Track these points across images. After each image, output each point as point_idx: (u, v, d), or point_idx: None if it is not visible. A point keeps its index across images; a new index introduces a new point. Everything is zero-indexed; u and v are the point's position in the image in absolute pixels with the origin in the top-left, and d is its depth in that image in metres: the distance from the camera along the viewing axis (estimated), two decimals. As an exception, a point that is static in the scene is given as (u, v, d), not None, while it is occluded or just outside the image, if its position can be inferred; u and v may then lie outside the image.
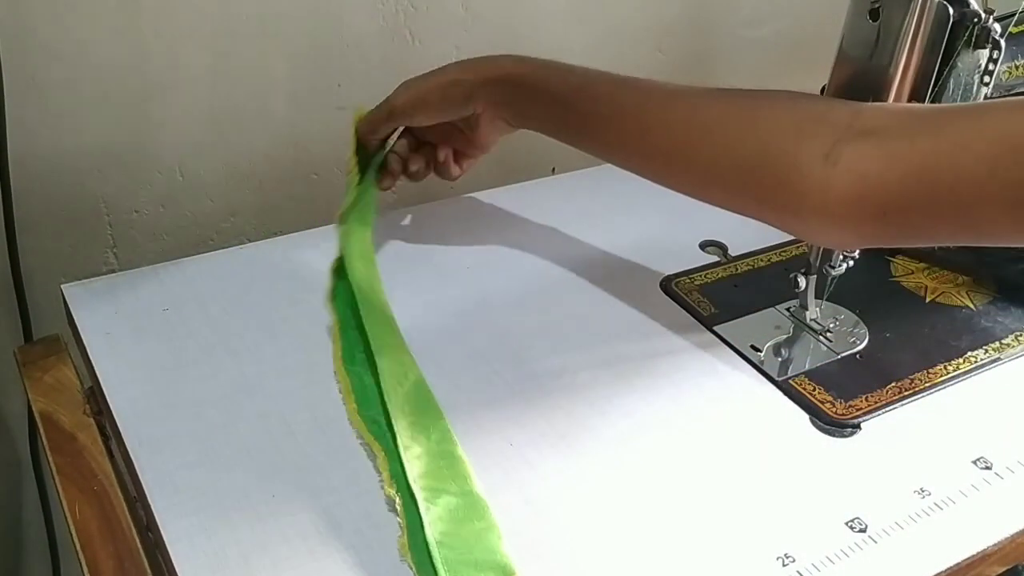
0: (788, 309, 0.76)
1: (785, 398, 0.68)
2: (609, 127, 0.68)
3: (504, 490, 0.59)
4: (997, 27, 0.61)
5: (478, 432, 0.63)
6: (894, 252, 0.84)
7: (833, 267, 0.71)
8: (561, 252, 0.82)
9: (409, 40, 0.93)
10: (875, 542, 0.57)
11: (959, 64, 0.62)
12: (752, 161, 0.60)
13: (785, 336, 0.74)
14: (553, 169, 1.09)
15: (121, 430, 0.62)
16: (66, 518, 0.58)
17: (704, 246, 0.84)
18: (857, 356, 0.72)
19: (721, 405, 0.67)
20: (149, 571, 0.55)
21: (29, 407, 0.69)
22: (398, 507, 0.57)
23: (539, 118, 0.74)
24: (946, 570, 0.56)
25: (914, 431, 0.66)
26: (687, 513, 0.59)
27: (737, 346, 0.72)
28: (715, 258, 0.83)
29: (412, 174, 0.81)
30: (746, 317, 0.75)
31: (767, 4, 1.15)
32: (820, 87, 0.68)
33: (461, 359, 0.69)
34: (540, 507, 0.58)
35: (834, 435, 0.65)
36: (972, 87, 0.63)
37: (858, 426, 0.66)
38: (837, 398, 0.68)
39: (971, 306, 0.79)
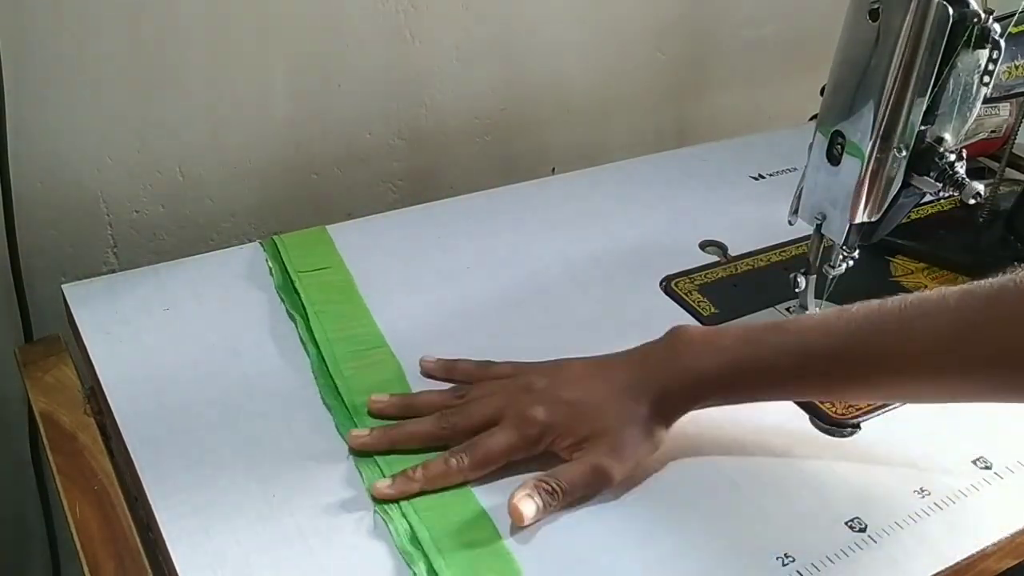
0: (788, 309, 0.76)
1: (785, 398, 0.68)
2: (860, 379, 0.59)
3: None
4: (997, 27, 0.61)
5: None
6: (894, 252, 0.85)
7: (833, 267, 0.71)
8: (561, 252, 0.82)
9: (409, 40, 0.94)
10: (875, 542, 0.57)
11: (959, 64, 0.62)
12: None
13: (785, 336, 0.74)
14: (553, 169, 1.09)
15: (121, 430, 0.62)
16: (67, 518, 0.58)
17: (704, 246, 0.84)
18: (857, 356, 0.72)
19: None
20: (149, 571, 0.55)
21: (29, 407, 0.69)
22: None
23: (753, 400, 0.62)
24: (945, 570, 0.56)
25: (914, 431, 0.66)
26: (688, 513, 0.59)
27: (737, 346, 0.72)
28: (715, 258, 0.83)
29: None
30: (746, 317, 0.75)
31: (767, 4, 1.15)
32: (820, 87, 0.68)
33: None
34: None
35: (834, 435, 0.65)
36: (972, 87, 0.63)
37: (858, 426, 0.66)
38: (837, 398, 0.68)
39: (971, 306, 0.78)
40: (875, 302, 0.59)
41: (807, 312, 0.73)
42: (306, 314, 0.72)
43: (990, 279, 0.56)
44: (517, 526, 0.56)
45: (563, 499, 0.57)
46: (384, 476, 0.59)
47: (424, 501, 0.58)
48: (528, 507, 0.56)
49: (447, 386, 0.66)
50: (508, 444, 0.59)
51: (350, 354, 0.68)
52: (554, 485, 0.57)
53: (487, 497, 0.58)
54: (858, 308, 0.59)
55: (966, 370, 0.56)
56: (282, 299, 0.74)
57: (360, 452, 0.61)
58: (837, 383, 0.60)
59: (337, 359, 0.68)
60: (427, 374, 0.68)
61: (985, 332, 0.55)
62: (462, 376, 0.67)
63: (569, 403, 0.60)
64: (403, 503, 0.57)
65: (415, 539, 0.55)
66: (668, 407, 0.61)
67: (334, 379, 0.66)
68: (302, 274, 0.76)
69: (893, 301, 0.58)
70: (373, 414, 0.64)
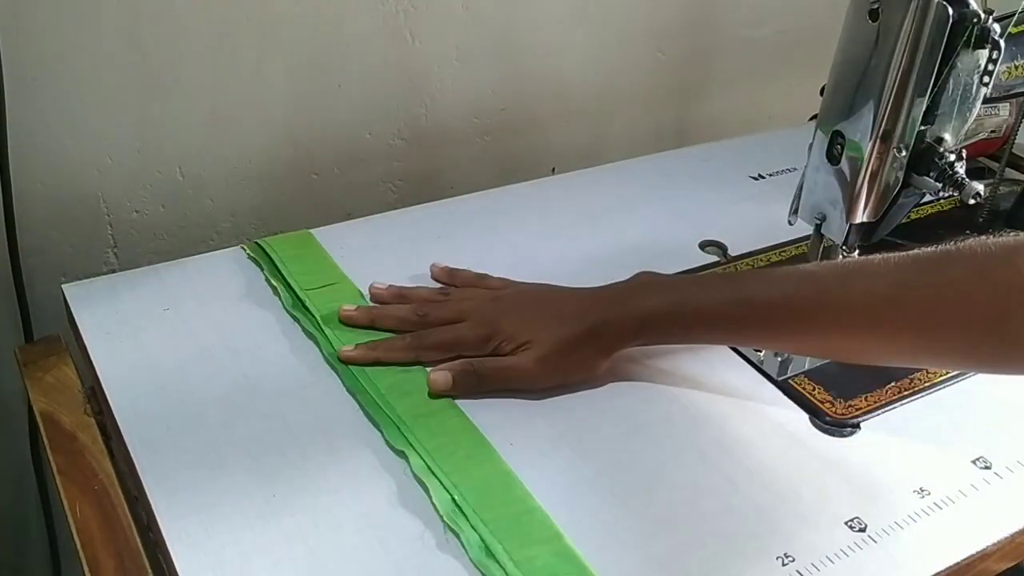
0: (788, 309, 0.76)
1: (785, 398, 0.68)
2: (794, 329, 0.62)
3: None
4: (997, 27, 0.61)
5: (478, 432, 0.63)
6: (894, 252, 0.84)
7: (833, 267, 0.71)
8: (561, 252, 0.82)
9: (409, 40, 0.94)
10: (875, 542, 0.57)
11: (959, 64, 0.62)
12: (960, 331, 0.57)
13: (785, 336, 0.74)
14: (553, 169, 1.09)
15: (121, 430, 0.62)
16: (67, 518, 0.58)
17: (704, 246, 0.84)
18: (857, 356, 0.72)
19: (721, 405, 0.67)
20: (149, 571, 0.55)
21: (30, 407, 0.69)
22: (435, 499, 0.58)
23: (693, 341, 0.68)
24: (945, 570, 0.56)
25: (914, 431, 0.66)
26: (688, 512, 0.59)
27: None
28: (715, 258, 0.83)
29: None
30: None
31: (767, 4, 1.15)
32: (820, 87, 0.68)
33: (461, 359, 0.69)
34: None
35: (834, 435, 0.65)
36: (972, 87, 0.63)
37: (858, 426, 0.66)
38: (837, 398, 0.68)
39: (971, 306, 0.78)
40: (824, 262, 0.61)
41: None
42: (327, 337, 0.70)
43: (936, 246, 0.58)
44: (433, 392, 0.64)
45: (478, 382, 0.65)
46: (416, 450, 0.60)
47: (490, 512, 0.57)
48: (440, 376, 0.64)
49: None
50: (458, 337, 0.67)
51: (381, 374, 0.67)
52: (473, 367, 0.65)
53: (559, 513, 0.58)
54: (804, 265, 0.62)
55: (898, 331, 0.58)
56: (295, 318, 0.72)
57: (346, 325, 0.70)
58: (774, 332, 0.63)
59: (371, 376, 0.67)
60: (434, 278, 0.76)
61: (919, 295, 0.57)
62: (459, 282, 0.75)
63: (522, 315, 0.68)
64: (470, 516, 0.56)
65: (488, 551, 0.54)
66: (607, 337, 0.65)
67: (374, 397, 0.65)
68: (310, 292, 0.74)
69: (839, 261, 0.61)
70: (373, 299, 0.73)
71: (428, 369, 0.66)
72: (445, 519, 0.56)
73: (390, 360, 0.67)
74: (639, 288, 0.67)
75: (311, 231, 0.82)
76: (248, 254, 0.79)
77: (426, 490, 0.58)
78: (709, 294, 0.65)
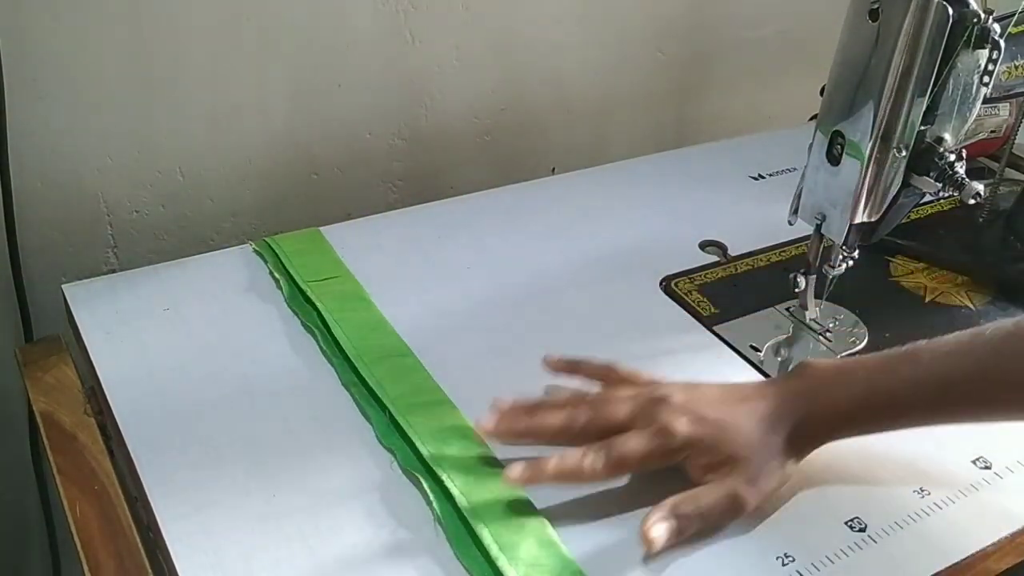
0: (788, 309, 0.76)
1: (785, 398, 0.68)
2: (997, 402, 0.58)
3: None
4: (996, 27, 0.61)
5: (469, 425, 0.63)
6: (894, 252, 0.85)
7: (833, 267, 0.71)
8: (561, 252, 0.82)
9: (409, 40, 0.94)
10: (875, 542, 0.57)
11: (959, 64, 0.62)
12: None
13: (785, 336, 0.74)
14: (553, 169, 1.09)
15: (121, 430, 0.62)
16: (67, 517, 0.58)
17: (704, 246, 0.84)
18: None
19: (721, 405, 0.67)
20: (149, 570, 0.55)
21: (30, 407, 0.69)
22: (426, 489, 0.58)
23: (881, 430, 0.61)
24: (945, 570, 0.56)
25: (914, 431, 0.66)
26: (687, 513, 0.59)
27: (737, 346, 0.72)
28: (715, 258, 0.83)
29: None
30: (746, 317, 0.75)
31: (767, 4, 1.15)
32: (820, 87, 0.68)
33: (461, 359, 0.69)
34: (540, 507, 0.58)
35: (834, 435, 0.65)
36: (972, 87, 0.63)
37: (858, 426, 0.66)
38: (837, 398, 0.68)
39: (970, 306, 0.79)
40: (1008, 322, 0.58)
41: (805, 311, 0.73)
42: (327, 327, 0.70)
43: None
44: (648, 552, 0.54)
45: (699, 524, 0.56)
46: (410, 436, 0.61)
47: (478, 497, 0.57)
48: (659, 530, 0.54)
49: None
50: (646, 450, 0.57)
51: (379, 362, 0.68)
52: (692, 509, 0.56)
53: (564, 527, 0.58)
54: (992, 330, 0.58)
55: None
56: (295, 312, 0.73)
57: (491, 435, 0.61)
58: (974, 409, 0.59)
59: (368, 366, 0.67)
60: (553, 370, 0.66)
61: None
62: (589, 372, 0.65)
63: (712, 422, 0.58)
64: (457, 498, 0.57)
65: (473, 535, 0.55)
66: (803, 440, 0.59)
67: (374, 390, 0.65)
68: (312, 284, 0.74)
69: (1001, 325, 0.58)
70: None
71: (644, 525, 0.55)
72: (434, 506, 0.57)
73: (566, 482, 0.58)
74: (819, 382, 0.60)
75: (320, 229, 0.82)
76: (254, 248, 0.80)
77: (416, 480, 0.59)
78: (899, 382, 0.59)
